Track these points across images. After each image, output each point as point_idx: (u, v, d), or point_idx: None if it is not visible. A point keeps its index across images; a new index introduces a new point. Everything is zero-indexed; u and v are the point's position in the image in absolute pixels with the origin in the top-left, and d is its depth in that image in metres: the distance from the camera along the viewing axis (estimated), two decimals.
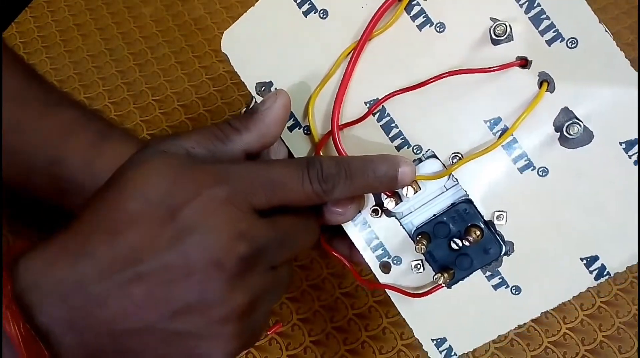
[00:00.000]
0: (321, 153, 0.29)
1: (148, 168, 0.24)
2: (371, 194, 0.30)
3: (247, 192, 0.24)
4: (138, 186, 0.23)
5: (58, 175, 0.33)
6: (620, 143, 0.26)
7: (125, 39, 0.62)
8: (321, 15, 0.29)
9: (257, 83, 0.30)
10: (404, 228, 0.29)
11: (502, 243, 0.28)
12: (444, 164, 0.28)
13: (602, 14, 0.64)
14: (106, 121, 0.36)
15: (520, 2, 0.26)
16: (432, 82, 0.27)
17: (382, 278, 0.30)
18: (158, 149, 0.25)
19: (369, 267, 0.30)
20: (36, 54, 0.60)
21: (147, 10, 0.65)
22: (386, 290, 0.30)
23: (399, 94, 0.28)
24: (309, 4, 0.29)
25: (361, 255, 0.30)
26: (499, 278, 0.28)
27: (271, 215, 0.25)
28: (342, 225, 0.30)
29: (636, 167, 0.26)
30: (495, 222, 0.28)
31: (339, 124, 0.29)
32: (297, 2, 0.29)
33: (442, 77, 0.27)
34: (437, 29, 0.27)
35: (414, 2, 0.27)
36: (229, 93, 0.56)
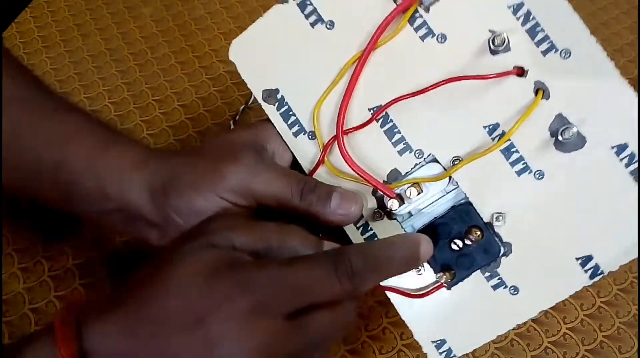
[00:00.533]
0: (325, 159, 0.30)
1: (191, 266, 0.25)
2: (373, 196, 0.30)
3: (274, 301, 0.25)
4: (178, 285, 0.25)
5: (63, 179, 0.33)
6: (612, 147, 0.27)
7: (125, 39, 0.62)
8: (328, 26, 0.30)
9: (263, 90, 0.31)
10: (404, 230, 0.30)
11: (501, 244, 0.29)
12: (444, 168, 0.29)
13: (603, 14, 0.64)
14: (110, 127, 0.36)
15: (517, 15, 0.27)
16: (433, 89, 0.28)
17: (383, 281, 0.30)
18: (207, 243, 0.26)
19: None
20: (36, 54, 0.60)
21: (147, 10, 0.65)
22: (387, 291, 0.30)
23: (401, 100, 0.29)
24: (316, 15, 0.30)
25: None
26: (498, 279, 0.29)
27: (301, 316, 0.26)
28: (346, 229, 0.31)
29: (627, 170, 0.27)
30: (494, 223, 0.29)
31: (344, 129, 0.30)
32: (305, 13, 0.30)
33: (442, 84, 0.28)
34: (439, 39, 0.29)
35: (417, 15, 0.29)
36: (229, 93, 0.56)
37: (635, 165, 0.27)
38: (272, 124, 0.32)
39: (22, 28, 0.63)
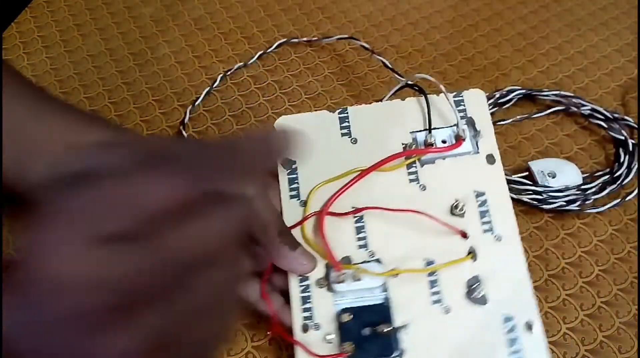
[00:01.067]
0: (304, 224, 0.38)
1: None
2: (322, 267, 0.37)
3: (99, 218, 0.21)
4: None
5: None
6: (502, 315, 0.35)
7: (125, 39, 0.62)
8: (352, 141, 0.40)
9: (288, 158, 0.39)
10: (334, 305, 0.36)
11: (397, 347, 0.35)
12: (383, 271, 0.36)
13: (602, 14, 0.64)
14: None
15: (478, 199, 0.37)
16: (402, 212, 0.37)
17: (299, 335, 0.36)
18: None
19: (292, 323, 0.36)
20: (36, 54, 0.60)
21: (147, 11, 0.65)
22: (297, 346, 0.35)
23: (375, 209, 0.37)
24: (347, 130, 0.40)
25: (288, 315, 0.36)
26: None
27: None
28: (291, 282, 0.37)
29: (506, 336, 0.34)
30: (400, 330, 0.35)
31: (327, 211, 0.38)
32: (342, 125, 0.40)
33: (410, 212, 0.36)
34: (421, 188, 0.38)
35: (414, 165, 0.39)
36: (229, 93, 0.56)
37: (515, 334, 0.34)
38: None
39: (22, 28, 0.63)
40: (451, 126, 0.39)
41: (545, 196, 0.45)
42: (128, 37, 0.62)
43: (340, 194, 0.38)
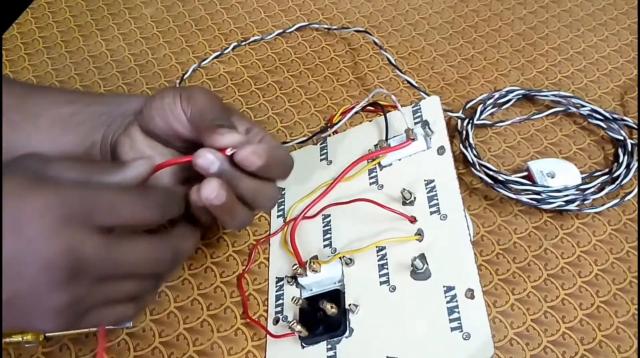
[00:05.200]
0: (285, 231, 0.44)
1: (14, 178, 0.28)
2: (290, 267, 0.41)
3: (86, 213, 0.28)
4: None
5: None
6: (444, 285, 0.37)
7: (125, 40, 0.62)
8: (327, 163, 0.47)
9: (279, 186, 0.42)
10: (301, 293, 0.41)
11: (346, 326, 0.38)
12: (341, 260, 0.41)
13: (601, 14, 0.64)
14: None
15: (427, 186, 0.41)
16: (355, 201, 0.41)
17: (271, 328, 0.40)
18: (20, 166, 0.30)
19: (266, 317, 0.41)
20: (37, 55, 0.61)
21: (147, 12, 0.65)
22: (267, 334, 0.40)
23: (331, 206, 0.43)
24: (325, 156, 0.48)
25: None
26: (333, 352, 0.38)
27: (116, 235, 0.29)
28: (269, 283, 0.42)
29: (447, 305, 0.36)
30: (349, 310, 0.38)
31: (302, 217, 0.43)
32: (321, 153, 0.48)
33: (359, 201, 0.41)
34: (379, 187, 0.43)
35: (375, 169, 0.44)
36: (230, 94, 0.57)
37: (455, 303, 0.36)
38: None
39: (23, 29, 0.64)
40: (404, 132, 0.44)
41: (544, 196, 0.45)
42: (128, 38, 0.62)
43: (313, 204, 0.44)
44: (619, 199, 0.46)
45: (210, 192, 0.33)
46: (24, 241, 0.27)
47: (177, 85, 0.56)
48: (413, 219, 0.40)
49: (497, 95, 0.54)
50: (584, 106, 0.52)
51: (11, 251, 0.27)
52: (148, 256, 0.31)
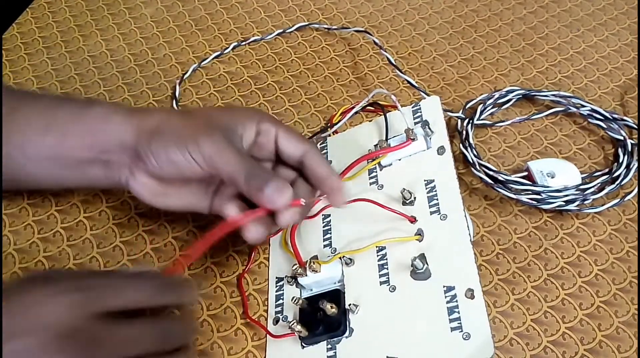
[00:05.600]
0: (288, 232, 0.43)
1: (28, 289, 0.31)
2: (290, 267, 0.41)
3: (89, 302, 0.30)
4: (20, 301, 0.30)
5: (49, 144, 0.40)
6: (444, 285, 0.37)
7: (125, 40, 0.62)
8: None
9: None
10: (302, 293, 0.41)
11: (346, 326, 0.38)
12: (341, 260, 0.41)
13: (601, 14, 0.64)
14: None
15: (427, 186, 0.41)
16: (354, 202, 0.41)
17: (271, 328, 0.40)
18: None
19: (266, 317, 0.41)
20: (37, 55, 0.61)
21: (147, 12, 0.65)
22: (267, 334, 0.40)
23: (331, 206, 0.43)
24: (324, 155, 0.47)
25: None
26: (333, 352, 0.37)
27: (118, 319, 0.31)
28: (269, 284, 0.42)
29: (447, 305, 0.36)
30: (349, 310, 0.38)
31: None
32: (322, 152, 0.47)
33: (362, 200, 0.41)
34: (379, 188, 0.43)
35: (375, 170, 0.44)
36: (230, 94, 0.57)
37: (455, 303, 0.36)
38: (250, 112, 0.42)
39: (23, 29, 0.64)
40: (404, 132, 0.43)
41: (544, 196, 0.45)
42: (128, 38, 0.62)
43: (313, 204, 0.43)
44: (619, 199, 0.46)
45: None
46: (33, 319, 0.29)
47: (178, 85, 0.56)
48: (413, 219, 0.40)
49: (497, 95, 0.54)
50: (584, 106, 0.52)
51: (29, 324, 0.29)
52: (147, 336, 0.32)
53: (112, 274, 0.35)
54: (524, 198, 0.45)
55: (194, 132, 0.37)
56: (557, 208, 0.46)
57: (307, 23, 0.62)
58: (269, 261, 0.44)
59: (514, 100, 0.54)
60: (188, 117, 0.39)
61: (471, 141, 0.50)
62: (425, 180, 0.42)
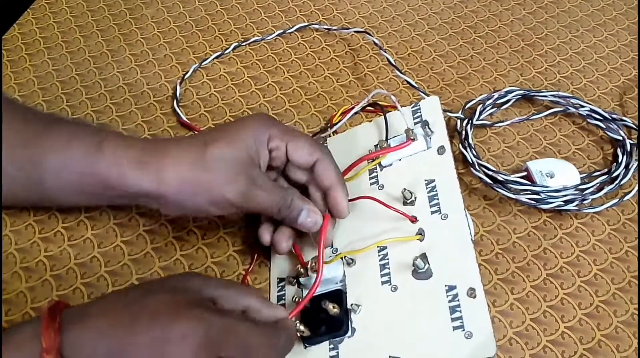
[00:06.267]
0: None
1: (164, 299, 0.32)
2: (292, 267, 0.42)
3: (221, 344, 0.31)
4: (149, 314, 0.31)
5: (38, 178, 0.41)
6: (445, 284, 0.37)
7: (126, 41, 0.62)
8: None
9: None
10: (302, 296, 0.40)
11: (348, 326, 0.38)
12: (342, 259, 0.41)
13: (600, 15, 0.64)
14: (101, 129, 0.43)
15: (427, 186, 0.41)
16: (356, 200, 0.42)
17: None
18: (184, 284, 0.34)
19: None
20: (38, 55, 0.61)
21: (148, 12, 0.66)
22: None
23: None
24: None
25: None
26: (335, 352, 0.38)
27: None
28: (271, 284, 0.43)
29: (448, 304, 0.36)
30: (351, 310, 0.39)
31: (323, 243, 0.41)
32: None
33: (364, 198, 0.42)
34: (379, 188, 0.43)
35: (375, 170, 0.44)
36: (230, 94, 0.57)
37: (456, 302, 0.36)
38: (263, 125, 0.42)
39: (24, 29, 0.64)
40: (404, 132, 0.44)
41: (543, 196, 0.46)
42: (129, 38, 0.62)
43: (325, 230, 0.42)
44: (617, 199, 0.46)
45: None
46: None
47: (178, 85, 0.56)
48: (414, 219, 0.40)
49: (496, 95, 0.54)
50: (582, 106, 0.53)
51: None
52: None
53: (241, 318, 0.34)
54: (523, 198, 0.46)
55: (219, 187, 0.38)
56: (556, 208, 0.46)
57: (307, 24, 0.63)
58: (270, 261, 0.44)
59: (513, 100, 0.54)
60: (208, 168, 0.39)
61: (470, 141, 0.50)
62: (425, 180, 0.42)
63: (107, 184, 0.39)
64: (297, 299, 0.39)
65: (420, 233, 0.40)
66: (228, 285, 0.37)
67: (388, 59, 0.55)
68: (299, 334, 0.38)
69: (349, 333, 0.38)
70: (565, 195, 0.46)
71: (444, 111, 0.46)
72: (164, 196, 0.39)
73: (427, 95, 0.52)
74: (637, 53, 0.59)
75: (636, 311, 0.41)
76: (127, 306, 0.32)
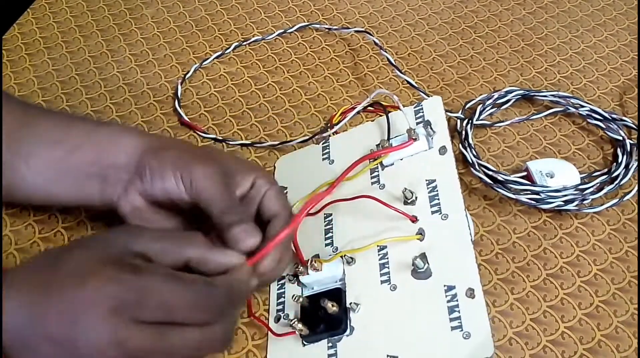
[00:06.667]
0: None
1: (82, 259, 0.31)
2: (291, 266, 0.41)
3: (137, 306, 0.29)
4: (68, 272, 0.30)
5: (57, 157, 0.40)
6: (444, 284, 0.37)
7: (126, 41, 0.62)
8: (329, 162, 0.47)
9: (280, 185, 0.42)
10: (302, 292, 0.41)
11: (347, 325, 0.38)
12: (341, 258, 0.41)
13: (600, 15, 0.64)
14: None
15: (428, 186, 0.41)
16: (357, 199, 0.42)
17: (273, 325, 0.41)
18: (105, 242, 0.33)
19: (267, 315, 0.41)
20: (38, 55, 0.61)
21: (148, 12, 0.66)
22: (268, 333, 0.40)
23: (332, 204, 0.43)
24: (327, 155, 0.48)
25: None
26: (334, 350, 0.38)
27: (164, 325, 0.30)
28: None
29: (447, 304, 0.36)
30: (350, 308, 0.39)
31: (306, 213, 0.40)
32: (323, 152, 0.48)
33: (364, 197, 0.41)
34: (380, 187, 0.43)
35: (376, 169, 0.44)
36: (230, 94, 0.57)
37: (455, 302, 0.36)
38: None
39: (24, 29, 0.64)
40: (406, 132, 0.44)
41: (543, 196, 0.46)
42: (129, 38, 0.63)
43: (315, 203, 0.42)
44: (617, 199, 0.46)
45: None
46: (78, 330, 0.29)
47: (179, 85, 0.56)
48: (414, 219, 0.40)
49: (496, 95, 0.54)
50: (583, 106, 0.53)
51: (66, 335, 0.29)
52: (198, 345, 0.31)
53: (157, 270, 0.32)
54: (523, 198, 0.46)
55: (192, 159, 0.38)
56: (556, 208, 0.46)
57: (307, 23, 0.63)
58: None
59: (513, 100, 0.54)
60: (195, 148, 0.39)
61: (470, 141, 0.50)
62: (426, 180, 0.42)
63: (97, 155, 0.39)
64: (297, 299, 0.40)
65: (421, 233, 0.40)
66: (163, 237, 0.34)
67: (388, 59, 0.55)
68: (297, 333, 0.38)
69: (348, 331, 0.38)
70: (565, 195, 0.46)
71: (444, 111, 0.47)
72: (140, 160, 0.38)
73: (428, 95, 0.52)
74: (637, 53, 0.59)
75: (636, 312, 0.41)
76: (44, 269, 0.31)
